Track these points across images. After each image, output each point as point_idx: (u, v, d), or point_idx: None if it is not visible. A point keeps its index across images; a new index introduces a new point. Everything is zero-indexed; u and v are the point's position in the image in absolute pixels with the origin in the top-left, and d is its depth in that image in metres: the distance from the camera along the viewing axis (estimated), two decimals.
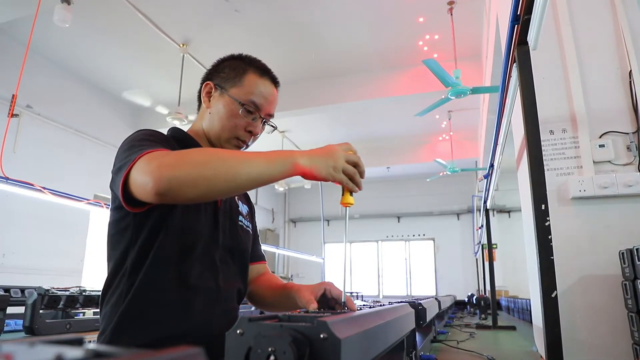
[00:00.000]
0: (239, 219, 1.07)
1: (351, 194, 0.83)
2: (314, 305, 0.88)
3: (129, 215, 0.88)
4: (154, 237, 0.88)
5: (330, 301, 0.94)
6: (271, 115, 1.06)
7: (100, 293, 0.93)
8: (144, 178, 0.72)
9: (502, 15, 2.63)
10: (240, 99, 0.99)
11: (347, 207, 0.84)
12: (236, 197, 1.09)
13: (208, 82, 1.04)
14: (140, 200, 0.76)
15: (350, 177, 0.81)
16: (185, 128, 1.08)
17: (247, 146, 1.06)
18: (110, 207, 0.94)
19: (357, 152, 0.84)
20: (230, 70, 1.03)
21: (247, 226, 1.10)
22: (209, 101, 1.03)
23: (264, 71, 1.04)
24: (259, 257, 1.18)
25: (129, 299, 0.85)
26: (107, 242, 0.94)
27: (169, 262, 0.88)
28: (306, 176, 0.78)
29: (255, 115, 1.01)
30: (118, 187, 0.76)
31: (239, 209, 1.09)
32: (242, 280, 1.05)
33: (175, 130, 1.04)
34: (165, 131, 1.03)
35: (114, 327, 0.85)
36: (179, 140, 1.00)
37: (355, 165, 0.82)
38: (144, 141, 0.83)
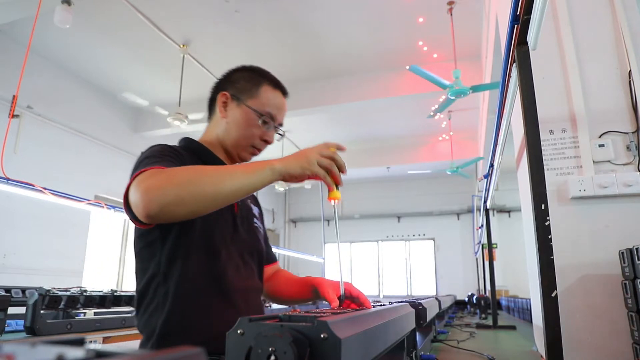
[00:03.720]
0: (254, 220, 1.13)
1: (337, 188, 0.85)
2: (335, 303, 0.92)
3: (154, 228, 0.92)
4: (179, 246, 0.92)
5: (347, 299, 0.98)
6: (281, 125, 1.13)
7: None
8: (136, 200, 0.75)
9: (502, 15, 2.63)
10: (258, 110, 1.05)
11: (335, 202, 0.85)
12: (248, 200, 1.14)
13: (224, 92, 1.08)
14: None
15: (326, 169, 0.84)
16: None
17: (260, 152, 1.12)
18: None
19: (347, 152, 0.89)
20: (246, 82, 1.08)
21: (260, 227, 1.16)
22: (225, 111, 1.07)
23: (277, 83, 1.11)
24: (273, 258, 1.24)
25: (168, 308, 0.89)
26: (135, 256, 0.98)
27: (199, 268, 0.92)
28: (285, 179, 0.83)
29: (270, 125, 1.07)
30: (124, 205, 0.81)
31: (252, 211, 1.15)
32: (260, 278, 1.11)
33: (187, 141, 1.08)
34: (171, 139, 1.08)
35: (159, 335, 0.88)
36: (192, 150, 1.04)
37: (332, 159, 0.85)
38: (151, 158, 0.87)
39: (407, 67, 4.10)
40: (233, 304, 0.95)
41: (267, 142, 1.09)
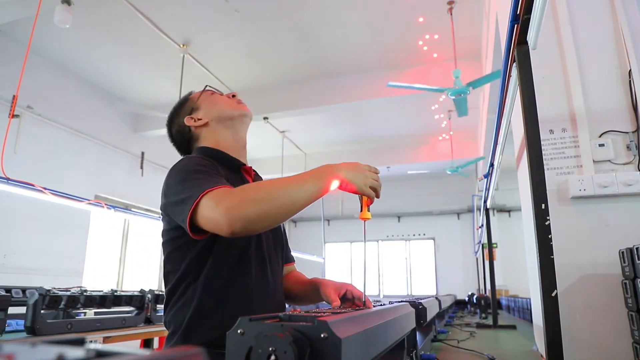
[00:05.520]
0: None
1: (368, 210, 0.92)
2: (336, 303, 0.97)
3: (184, 234, 0.95)
4: (209, 249, 0.98)
5: (348, 301, 1.03)
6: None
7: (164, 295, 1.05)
8: (217, 218, 0.80)
9: (502, 15, 2.63)
10: (205, 100, 1.17)
11: (365, 221, 0.92)
12: None
13: (184, 122, 1.16)
14: (206, 231, 0.85)
15: (374, 191, 0.91)
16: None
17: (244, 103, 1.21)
18: (164, 227, 1.04)
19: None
20: (183, 103, 1.20)
21: (280, 226, 1.23)
22: (200, 119, 1.16)
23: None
24: (290, 258, 1.31)
25: (196, 303, 0.95)
26: (165, 258, 1.04)
27: (227, 265, 0.98)
28: (342, 186, 0.89)
29: (217, 92, 1.20)
30: (185, 220, 0.85)
31: None
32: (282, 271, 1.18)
33: (203, 150, 1.13)
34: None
35: (185, 328, 0.95)
36: (212, 156, 1.08)
37: (377, 182, 0.94)
38: (197, 173, 0.92)
39: (388, 84, 4.32)
40: (253, 301, 1.00)
41: (235, 96, 1.19)
